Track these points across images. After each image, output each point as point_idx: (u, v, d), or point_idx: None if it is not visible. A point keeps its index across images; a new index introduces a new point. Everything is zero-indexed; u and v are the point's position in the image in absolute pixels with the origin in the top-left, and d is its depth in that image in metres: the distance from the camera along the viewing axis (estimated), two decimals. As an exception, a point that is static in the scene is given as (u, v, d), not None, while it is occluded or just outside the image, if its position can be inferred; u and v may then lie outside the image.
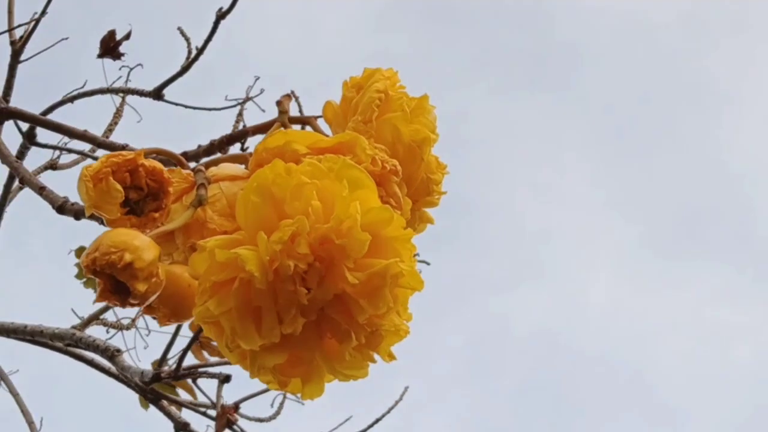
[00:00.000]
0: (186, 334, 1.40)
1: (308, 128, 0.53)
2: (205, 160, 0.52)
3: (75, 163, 1.59)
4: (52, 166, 1.60)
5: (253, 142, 0.53)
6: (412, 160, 0.49)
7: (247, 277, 0.41)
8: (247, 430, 1.44)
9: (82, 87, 1.49)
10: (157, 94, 1.40)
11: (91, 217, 0.49)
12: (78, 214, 0.54)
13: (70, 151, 1.52)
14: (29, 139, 1.40)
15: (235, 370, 1.41)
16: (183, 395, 1.54)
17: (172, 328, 1.41)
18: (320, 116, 0.54)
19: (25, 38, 1.52)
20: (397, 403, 1.67)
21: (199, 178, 0.46)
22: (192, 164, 0.52)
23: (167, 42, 1.57)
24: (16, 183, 1.54)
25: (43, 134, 1.44)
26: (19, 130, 1.39)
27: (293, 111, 0.54)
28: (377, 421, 1.61)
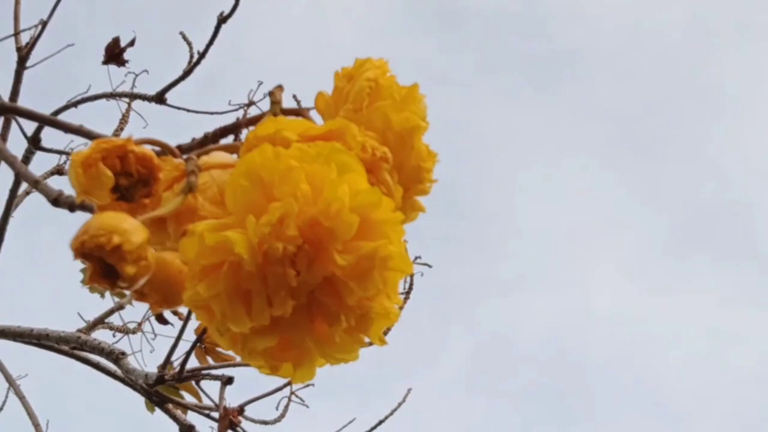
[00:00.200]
0: (189, 338, 1.40)
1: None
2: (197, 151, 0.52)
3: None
4: (59, 171, 1.60)
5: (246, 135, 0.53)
6: (403, 148, 0.49)
7: (237, 260, 0.41)
8: (252, 433, 1.44)
9: (86, 92, 1.50)
10: (159, 98, 1.41)
11: (85, 209, 0.49)
12: (72, 206, 0.53)
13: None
14: (34, 143, 1.41)
15: (239, 373, 1.41)
16: (188, 398, 1.54)
17: (177, 331, 1.41)
18: (313, 108, 0.54)
19: (31, 45, 1.53)
20: (400, 405, 1.67)
21: (189, 166, 0.46)
22: (187, 155, 0.52)
23: (173, 46, 1.58)
24: (23, 188, 1.54)
25: (48, 139, 1.44)
26: (24, 135, 1.39)
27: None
28: (380, 422, 1.61)
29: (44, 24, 1.55)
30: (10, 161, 0.59)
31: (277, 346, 0.42)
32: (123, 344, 1.71)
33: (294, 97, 1.00)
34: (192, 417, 1.43)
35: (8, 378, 1.39)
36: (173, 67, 1.51)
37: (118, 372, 1.38)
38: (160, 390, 1.36)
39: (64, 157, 1.59)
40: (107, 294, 1.66)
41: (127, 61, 1.68)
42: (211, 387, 1.50)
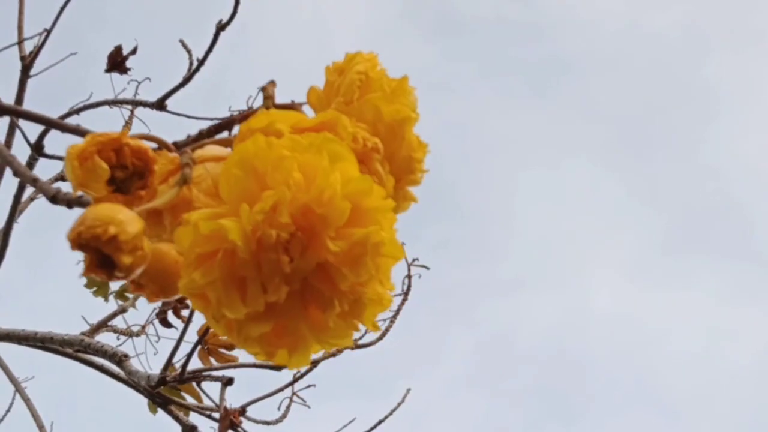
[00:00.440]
0: (192, 339, 1.40)
1: (294, 113, 0.53)
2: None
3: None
4: (62, 177, 1.60)
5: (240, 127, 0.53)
6: (393, 139, 0.49)
7: (231, 248, 0.41)
8: (253, 433, 1.44)
9: (88, 99, 1.50)
10: (159, 105, 1.41)
11: (83, 205, 0.49)
12: (70, 203, 0.53)
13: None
14: (37, 150, 1.41)
15: (242, 374, 1.41)
16: (190, 401, 1.54)
17: (180, 333, 1.41)
18: (305, 103, 0.55)
19: (35, 53, 1.53)
20: (399, 405, 1.67)
21: (184, 159, 0.46)
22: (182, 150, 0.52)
23: (175, 53, 1.58)
24: (27, 195, 1.54)
25: (50, 146, 1.44)
26: (27, 141, 1.40)
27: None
28: (380, 422, 1.61)
29: (48, 33, 1.56)
30: (8, 160, 0.59)
31: (272, 333, 0.43)
32: (127, 347, 1.71)
33: (292, 101, 1.00)
34: (194, 418, 1.43)
35: (13, 381, 1.39)
36: (176, 73, 1.52)
37: (122, 374, 1.38)
38: (163, 391, 1.36)
39: (79, 142, 1.59)
40: (111, 297, 1.66)
41: (129, 69, 1.68)
42: (213, 388, 1.50)
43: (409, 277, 1.73)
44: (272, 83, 0.54)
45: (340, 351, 1.46)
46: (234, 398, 1.38)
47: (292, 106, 0.54)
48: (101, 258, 0.41)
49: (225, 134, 0.57)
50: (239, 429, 1.35)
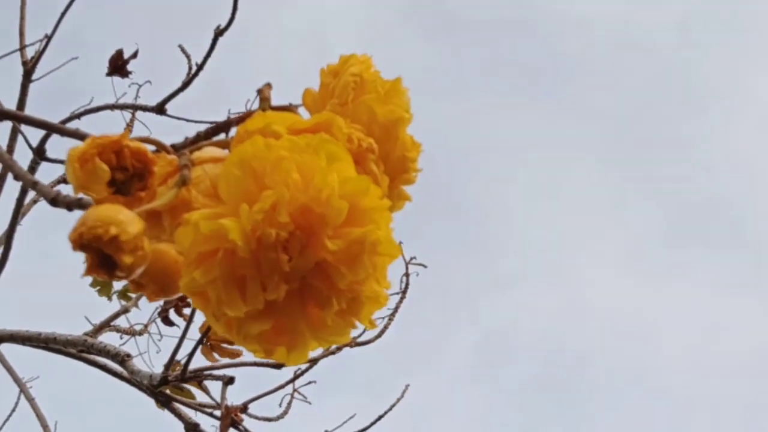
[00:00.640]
0: (194, 337, 1.40)
1: (291, 115, 0.53)
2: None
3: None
4: (64, 180, 1.61)
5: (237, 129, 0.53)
6: (388, 139, 0.49)
7: (231, 247, 0.41)
8: (256, 430, 1.44)
9: (89, 104, 1.50)
10: (159, 109, 1.41)
11: (82, 207, 0.49)
12: (70, 205, 0.54)
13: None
14: (39, 154, 1.41)
15: (243, 372, 1.42)
16: (199, 397, 1.54)
17: (182, 332, 1.41)
18: (301, 105, 0.55)
19: (36, 59, 1.53)
20: (398, 401, 1.67)
21: (182, 160, 0.47)
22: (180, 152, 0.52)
23: (176, 57, 1.58)
24: (29, 197, 1.54)
25: (52, 150, 1.45)
26: (30, 146, 1.40)
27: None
28: (380, 418, 1.61)
29: (48, 39, 1.56)
30: (8, 164, 0.60)
31: (271, 330, 0.43)
32: (130, 345, 1.71)
33: (289, 104, 1.00)
34: (195, 416, 1.43)
35: (18, 381, 1.39)
36: (177, 76, 1.52)
37: (125, 373, 1.38)
38: (167, 389, 1.36)
39: (80, 144, 1.59)
40: (114, 297, 1.67)
41: (130, 73, 1.68)
42: (215, 386, 1.50)
43: (407, 275, 1.74)
44: (268, 85, 0.54)
45: (339, 349, 1.46)
46: (236, 396, 1.38)
47: (288, 109, 0.54)
48: (102, 258, 0.41)
49: (222, 136, 0.57)
50: (240, 427, 1.35)
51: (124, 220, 0.41)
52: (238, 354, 1.52)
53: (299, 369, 1.49)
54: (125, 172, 0.45)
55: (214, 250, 0.42)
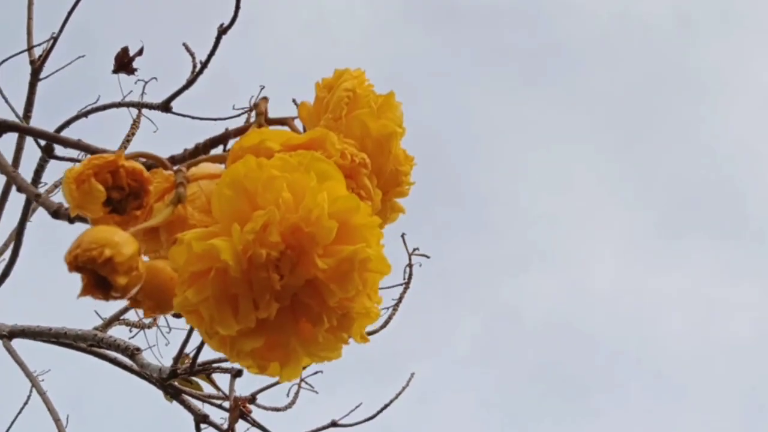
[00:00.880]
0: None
1: (286, 128, 0.53)
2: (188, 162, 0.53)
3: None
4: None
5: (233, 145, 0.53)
6: (381, 153, 0.49)
7: (223, 266, 0.41)
8: (264, 420, 1.45)
9: (96, 102, 1.50)
10: (165, 106, 1.41)
11: (82, 219, 0.49)
12: (71, 218, 0.54)
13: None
14: (48, 153, 1.41)
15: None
16: (207, 389, 1.54)
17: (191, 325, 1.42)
18: (297, 117, 0.55)
19: (44, 57, 1.53)
20: (404, 389, 1.67)
21: (178, 177, 0.47)
22: (176, 167, 0.52)
23: (181, 54, 1.58)
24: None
25: (60, 148, 1.45)
26: (38, 144, 1.40)
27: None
28: (386, 406, 1.62)
29: (56, 38, 1.56)
30: (11, 177, 0.60)
31: (264, 347, 0.43)
32: (139, 338, 1.72)
33: (293, 101, 1.00)
34: (204, 407, 1.44)
35: (29, 375, 1.40)
36: (183, 72, 1.52)
37: (134, 367, 1.39)
38: (177, 382, 1.37)
39: (76, 165, 1.60)
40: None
41: (136, 70, 1.68)
42: (224, 378, 1.50)
43: (410, 266, 1.74)
44: (264, 99, 0.54)
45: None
46: (244, 386, 1.39)
47: (284, 121, 0.54)
48: (98, 279, 0.41)
49: (220, 149, 0.57)
50: (249, 417, 1.36)
51: (119, 241, 0.41)
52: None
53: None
54: (121, 192, 0.45)
55: (207, 270, 0.42)
